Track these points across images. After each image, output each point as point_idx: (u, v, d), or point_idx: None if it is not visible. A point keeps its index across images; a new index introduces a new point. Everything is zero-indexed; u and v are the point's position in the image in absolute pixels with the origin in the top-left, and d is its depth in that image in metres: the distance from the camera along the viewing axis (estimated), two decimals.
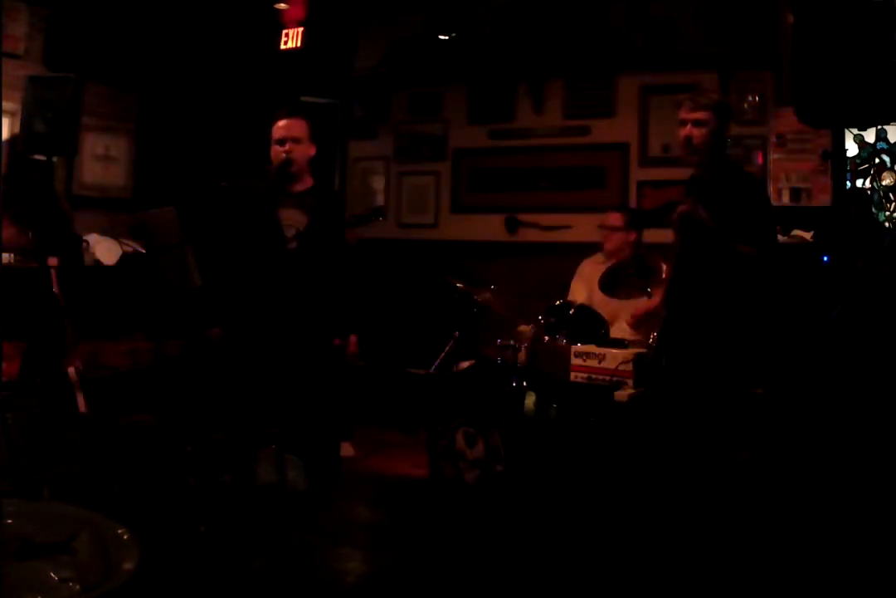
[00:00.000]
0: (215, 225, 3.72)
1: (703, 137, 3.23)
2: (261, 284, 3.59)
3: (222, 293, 3.71)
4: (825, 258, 4.48)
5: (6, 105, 5.00)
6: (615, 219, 4.53)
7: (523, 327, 4.34)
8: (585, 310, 4.19)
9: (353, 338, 3.76)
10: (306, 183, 3.69)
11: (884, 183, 4.88)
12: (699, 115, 3.24)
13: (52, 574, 0.90)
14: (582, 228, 5.69)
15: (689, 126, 3.26)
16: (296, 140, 3.58)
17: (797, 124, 3.75)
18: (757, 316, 3.22)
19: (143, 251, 5.14)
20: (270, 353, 3.59)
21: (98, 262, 5.23)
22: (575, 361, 3.91)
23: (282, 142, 3.58)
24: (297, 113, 3.68)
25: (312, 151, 3.67)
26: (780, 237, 4.95)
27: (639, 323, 4.23)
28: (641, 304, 4.16)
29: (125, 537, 0.96)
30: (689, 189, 3.36)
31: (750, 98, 5.36)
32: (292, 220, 3.60)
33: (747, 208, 3.09)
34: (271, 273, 3.58)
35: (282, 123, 3.60)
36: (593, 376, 3.85)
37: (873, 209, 4.90)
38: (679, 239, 3.04)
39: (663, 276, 3.59)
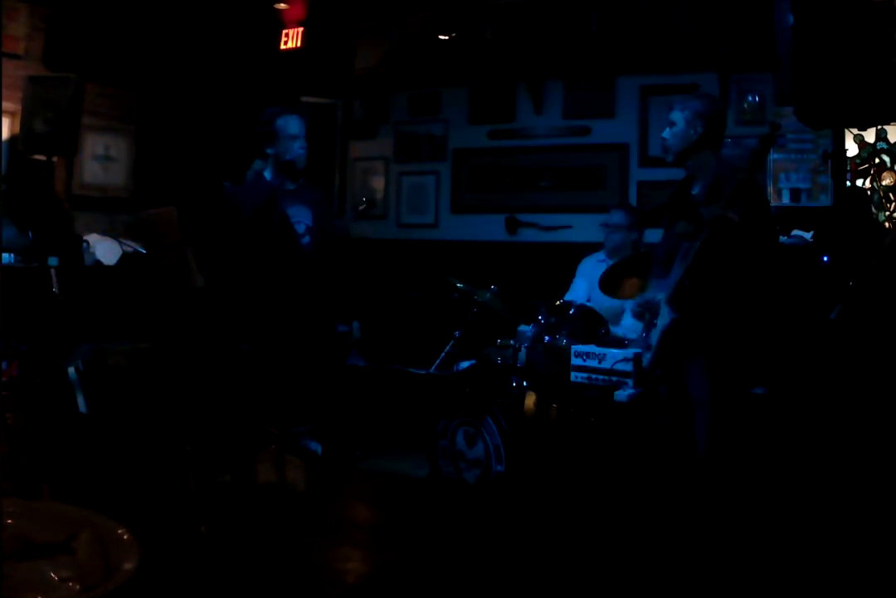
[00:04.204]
0: (225, 226, 3.75)
1: (672, 138, 3.26)
2: (279, 281, 3.64)
3: (238, 294, 3.75)
4: (825, 258, 4.48)
5: (6, 105, 5.00)
6: (618, 217, 4.54)
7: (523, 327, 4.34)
8: (585, 310, 4.19)
9: (356, 324, 3.87)
10: (300, 179, 3.77)
11: (884, 183, 4.87)
12: (672, 116, 3.27)
13: (52, 574, 0.89)
14: (582, 228, 5.69)
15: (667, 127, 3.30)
16: (303, 137, 3.66)
17: (797, 124, 3.75)
18: (761, 317, 3.22)
19: (143, 251, 5.14)
20: (291, 349, 3.65)
21: (98, 262, 5.24)
22: (575, 361, 3.91)
23: (294, 138, 3.63)
24: (299, 110, 3.78)
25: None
26: (779, 237, 4.96)
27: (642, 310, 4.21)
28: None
29: (125, 537, 0.96)
30: (680, 189, 3.38)
31: (750, 98, 5.36)
32: (300, 215, 3.67)
33: (745, 211, 3.08)
34: (288, 269, 3.63)
35: (291, 119, 3.65)
36: (593, 376, 3.85)
37: (873, 209, 4.89)
38: (706, 241, 3.01)
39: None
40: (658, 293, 3.24)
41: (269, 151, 3.69)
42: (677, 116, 3.26)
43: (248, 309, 3.71)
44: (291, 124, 3.66)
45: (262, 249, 3.64)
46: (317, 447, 3.85)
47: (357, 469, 3.94)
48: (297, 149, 3.64)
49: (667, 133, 3.29)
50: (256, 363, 3.69)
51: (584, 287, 4.58)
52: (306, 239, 3.68)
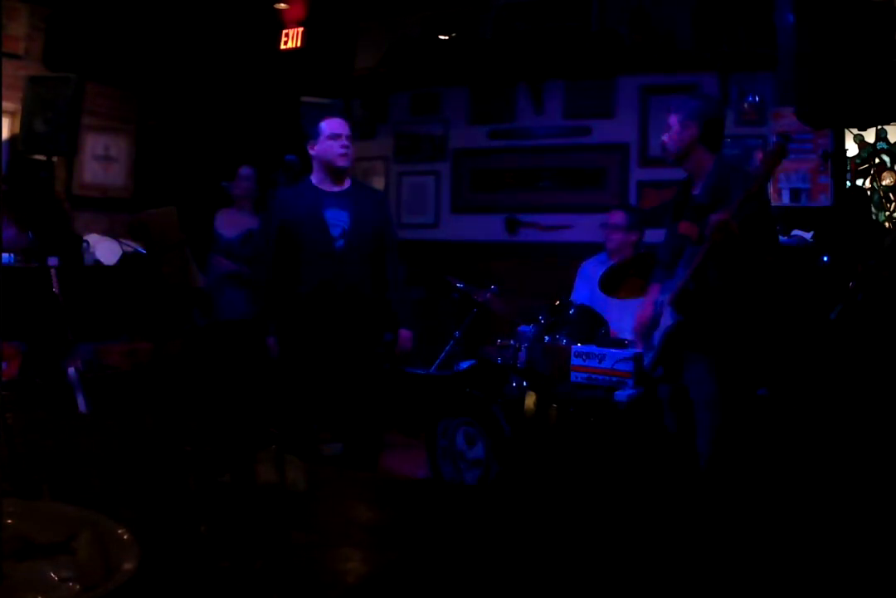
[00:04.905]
0: (271, 227, 3.77)
1: (670, 140, 3.27)
2: (311, 283, 3.65)
3: (273, 293, 3.76)
4: (825, 258, 4.47)
5: (6, 105, 5.00)
6: (618, 217, 4.53)
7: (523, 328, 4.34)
8: (585, 310, 4.18)
9: (405, 333, 3.87)
10: (346, 182, 3.77)
11: (884, 183, 4.88)
12: (669, 119, 3.28)
13: (52, 574, 0.89)
14: (582, 228, 5.69)
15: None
16: (346, 136, 3.70)
17: (797, 124, 3.76)
18: (764, 319, 3.23)
19: (143, 251, 5.14)
20: (324, 353, 3.68)
21: (98, 262, 5.23)
22: (575, 361, 3.91)
23: (335, 137, 3.67)
24: (342, 113, 3.85)
25: None
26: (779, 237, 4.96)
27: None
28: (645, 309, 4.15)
29: (125, 537, 0.96)
30: (682, 189, 3.38)
31: (750, 98, 5.36)
32: (338, 218, 3.68)
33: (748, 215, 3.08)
34: (321, 272, 3.64)
35: (336, 120, 3.72)
36: (593, 376, 3.85)
37: (873, 209, 4.90)
38: (709, 247, 3.01)
39: None
40: (660, 297, 3.24)
41: (311, 152, 3.74)
42: (673, 119, 3.27)
43: (287, 311, 3.73)
44: (333, 124, 3.70)
45: (297, 250, 3.66)
46: (338, 448, 3.86)
47: (379, 469, 3.96)
48: (337, 148, 3.66)
49: (665, 137, 3.30)
50: (294, 364, 3.71)
51: (586, 290, 4.58)
52: (340, 243, 3.68)
